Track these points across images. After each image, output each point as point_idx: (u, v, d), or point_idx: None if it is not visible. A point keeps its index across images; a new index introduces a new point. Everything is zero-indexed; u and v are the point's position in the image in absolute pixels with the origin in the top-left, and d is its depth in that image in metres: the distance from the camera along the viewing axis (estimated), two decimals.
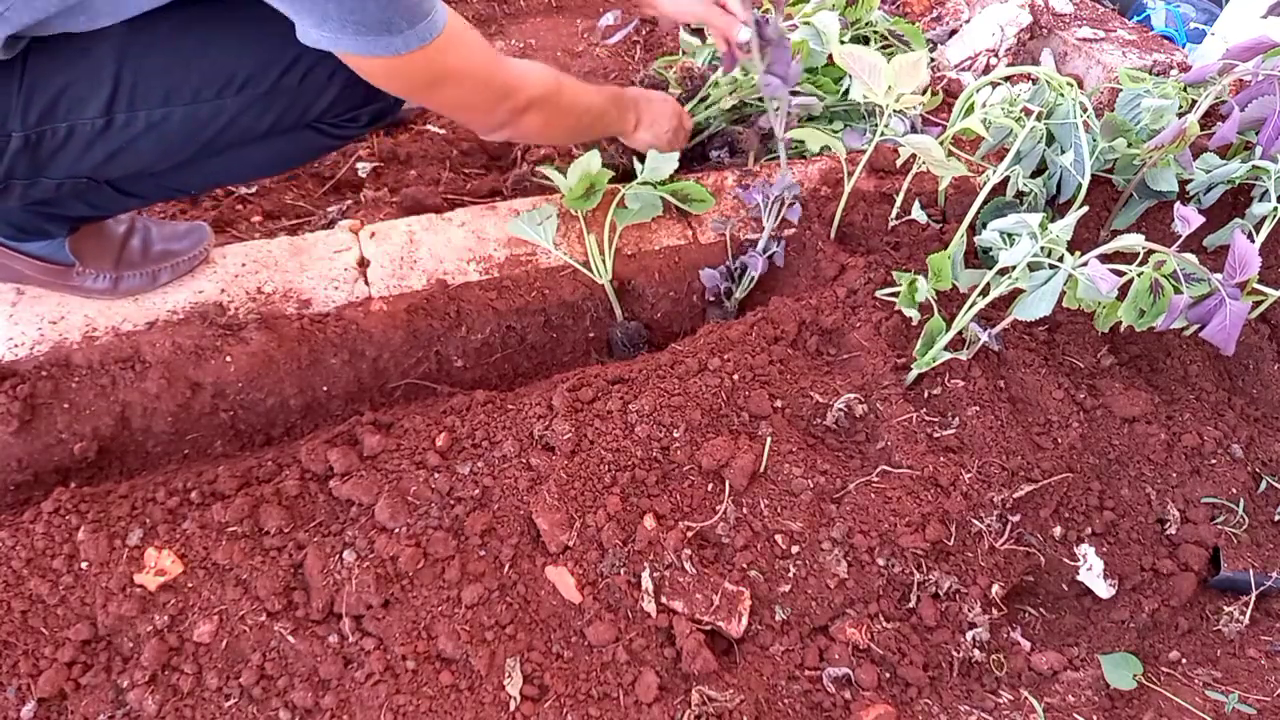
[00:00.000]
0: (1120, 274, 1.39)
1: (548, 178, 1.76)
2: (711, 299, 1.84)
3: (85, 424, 1.45)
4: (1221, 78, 1.78)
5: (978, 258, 1.78)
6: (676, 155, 1.76)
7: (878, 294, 1.71)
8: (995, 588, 1.46)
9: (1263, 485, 1.67)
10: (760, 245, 1.77)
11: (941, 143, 1.64)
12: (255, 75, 1.21)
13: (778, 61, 1.62)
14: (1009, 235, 1.48)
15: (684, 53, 2.42)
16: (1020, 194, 1.72)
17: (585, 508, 1.38)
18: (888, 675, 1.36)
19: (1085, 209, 1.62)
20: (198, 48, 1.18)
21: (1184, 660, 1.47)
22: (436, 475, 1.38)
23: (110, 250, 1.49)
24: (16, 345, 1.43)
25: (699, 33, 2.50)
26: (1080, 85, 2.09)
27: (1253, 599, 1.52)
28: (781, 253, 1.77)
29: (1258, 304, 1.71)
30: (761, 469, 1.48)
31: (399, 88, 1.27)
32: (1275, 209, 1.66)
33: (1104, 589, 1.54)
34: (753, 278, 1.78)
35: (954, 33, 2.45)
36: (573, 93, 1.53)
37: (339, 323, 1.59)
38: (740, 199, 1.87)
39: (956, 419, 1.59)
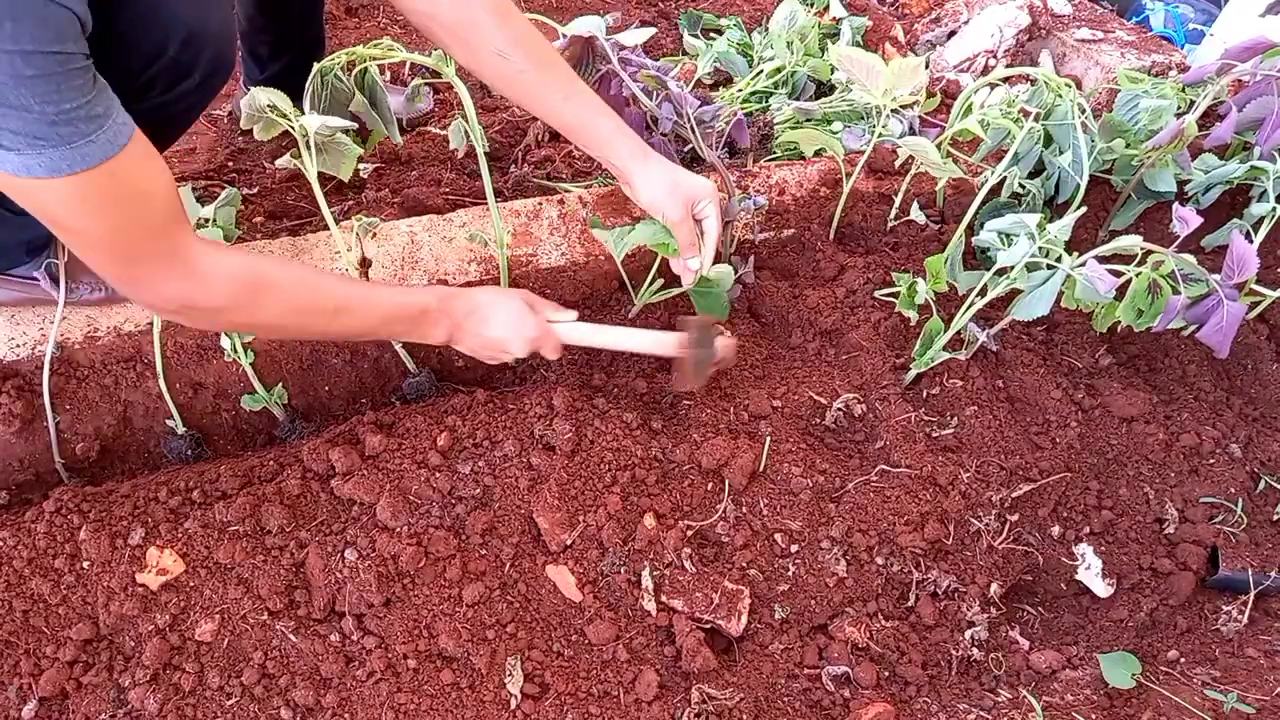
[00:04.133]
0: (1118, 274, 1.40)
1: (549, 179, 1.76)
2: None
3: (87, 423, 1.46)
4: (1220, 78, 1.78)
5: (976, 258, 1.78)
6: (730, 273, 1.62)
7: (876, 294, 1.72)
8: (994, 587, 1.47)
9: (1261, 485, 1.68)
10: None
11: (940, 144, 1.65)
12: None
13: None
14: (1007, 236, 1.49)
15: (685, 54, 2.43)
16: (1018, 194, 1.72)
17: (585, 507, 1.39)
18: (887, 674, 1.37)
19: (1083, 209, 1.63)
20: None
21: (1183, 659, 1.48)
22: (438, 475, 1.39)
23: None
24: (18, 345, 1.43)
25: (704, 34, 2.51)
26: (1079, 86, 2.10)
27: (1251, 598, 1.53)
28: (751, 271, 1.72)
29: (1255, 304, 1.71)
30: (761, 468, 1.48)
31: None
32: (1273, 209, 1.67)
33: (1102, 588, 1.54)
34: (736, 294, 1.73)
35: (953, 34, 2.45)
36: (293, 300, 1.21)
37: None
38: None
39: (955, 419, 1.59)
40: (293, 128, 1.32)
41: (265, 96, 1.30)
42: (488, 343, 1.39)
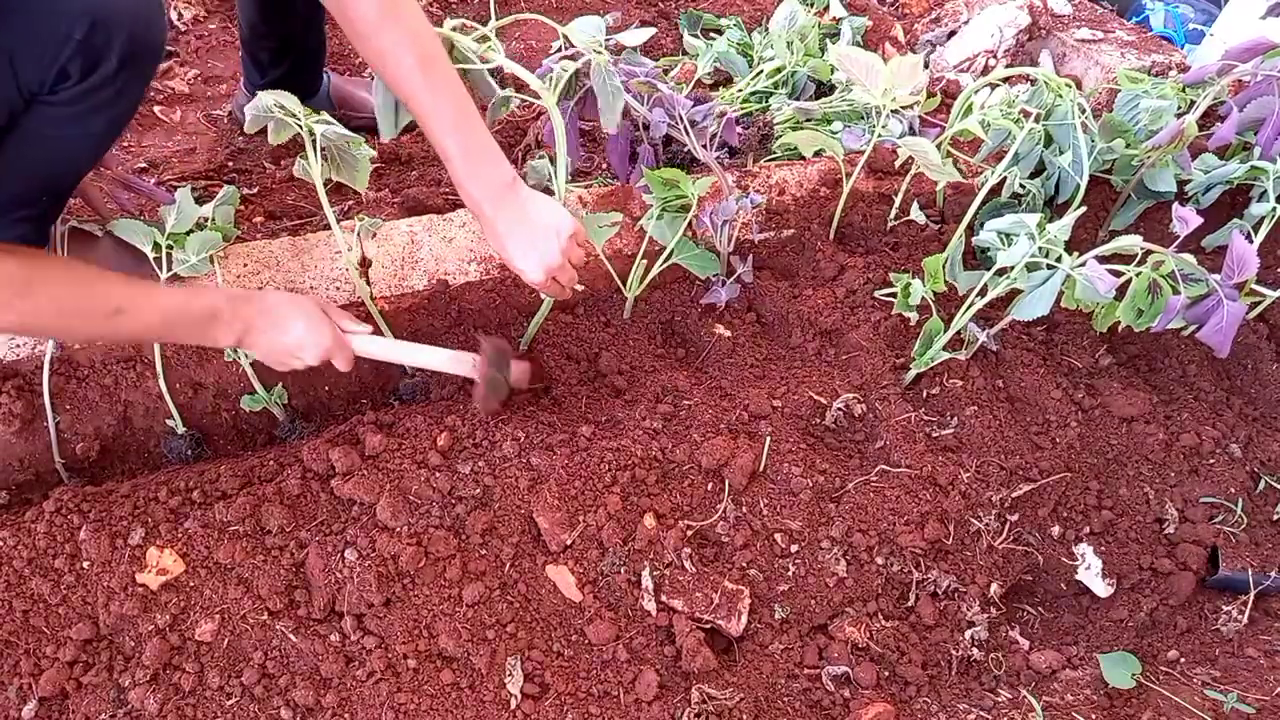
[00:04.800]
0: (1118, 274, 1.40)
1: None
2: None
3: (88, 423, 1.46)
4: (1220, 78, 1.78)
5: (976, 258, 1.79)
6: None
7: (876, 294, 1.72)
8: (994, 586, 1.47)
9: (1261, 485, 1.68)
10: (723, 270, 1.71)
11: (940, 144, 1.65)
12: None
13: None
14: (1007, 236, 1.49)
15: (685, 54, 2.43)
16: (1018, 194, 1.72)
17: (585, 507, 1.39)
18: (887, 673, 1.37)
19: (1083, 209, 1.63)
20: None
21: (1183, 659, 1.48)
22: (438, 475, 1.39)
23: (121, 258, 1.48)
24: (18, 345, 1.43)
25: (704, 34, 2.51)
26: (1079, 86, 2.10)
27: (1251, 598, 1.53)
28: (750, 270, 1.72)
29: (1255, 304, 1.71)
30: (761, 468, 1.48)
31: None
32: (1274, 209, 1.67)
33: (1102, 588, 1.54)
34: (735, 294, 1.74)
35: (953, 34, 2.45)
36: (65, 300, 1.14)
37: None
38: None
39: (955, 419, 1.59)
40: (301, 129, 1.31)
41: (272, 98, 1.29)
42: (279, 346, 1.33)
